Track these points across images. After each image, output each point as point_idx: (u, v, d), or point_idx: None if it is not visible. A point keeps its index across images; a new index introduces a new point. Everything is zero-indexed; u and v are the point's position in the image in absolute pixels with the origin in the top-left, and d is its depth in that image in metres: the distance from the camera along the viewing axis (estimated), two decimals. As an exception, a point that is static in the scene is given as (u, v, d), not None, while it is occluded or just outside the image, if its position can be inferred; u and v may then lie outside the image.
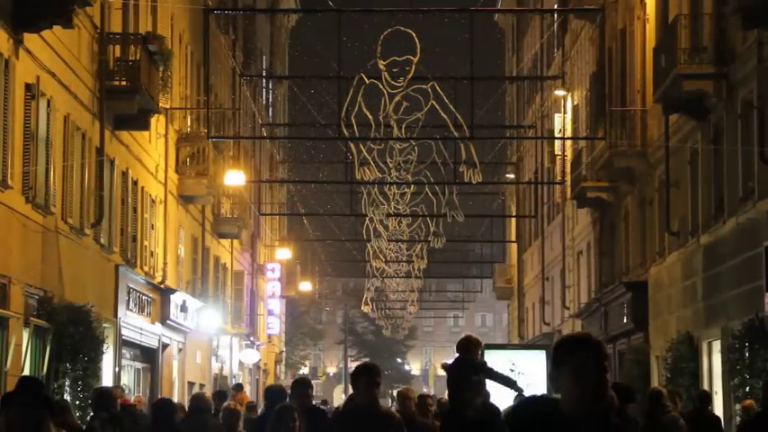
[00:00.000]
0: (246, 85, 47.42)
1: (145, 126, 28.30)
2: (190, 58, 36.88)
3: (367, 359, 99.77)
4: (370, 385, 10.03)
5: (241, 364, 48.70)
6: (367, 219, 33.24)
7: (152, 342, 31.54)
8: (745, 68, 22.88)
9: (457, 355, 13.14)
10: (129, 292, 28.49)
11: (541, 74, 48.57)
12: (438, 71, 32.20)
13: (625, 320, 31.52)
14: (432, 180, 28.98)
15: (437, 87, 23.38)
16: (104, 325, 24.76)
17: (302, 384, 12.60)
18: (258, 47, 51.74)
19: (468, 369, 12.89)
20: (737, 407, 20.27)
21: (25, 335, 20.63)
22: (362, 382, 10.06)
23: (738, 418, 16.46)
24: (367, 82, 23.34)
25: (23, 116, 20.84)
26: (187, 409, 14.40)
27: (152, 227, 31.31)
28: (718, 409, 22.61)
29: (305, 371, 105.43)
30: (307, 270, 68.15)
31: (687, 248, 26.82)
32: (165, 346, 32.96)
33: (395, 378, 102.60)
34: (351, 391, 11.48)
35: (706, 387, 23.42)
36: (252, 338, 50.42)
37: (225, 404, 14.33)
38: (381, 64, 22.83)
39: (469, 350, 13.05)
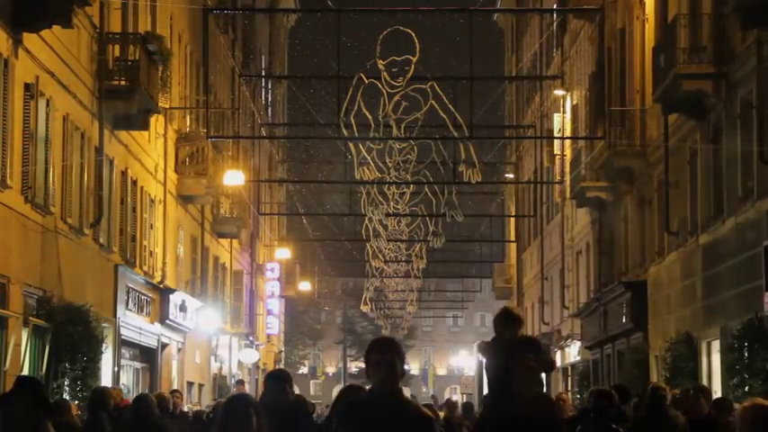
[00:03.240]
0: (246, 85, 47.40)
1: (144, 126, 28.29)
2: (189, 57, 36.86)
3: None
4: (382, 367, 7.05)
5: (240, 363, 48.68)
6: (366, 218, 33.22)
7: (151, 342, 31.53)
8: (744, 68, 22.86)
9: (494, 335, 10.84)
10: (128, 292, 28.49)
11: (541, 74, 48.55)
12: (437, 71, 32.22)
13: (624, 320, 31.50)
14: (431, 180, 28.95)
15: (436, 87, 23.34)
16: (103, 325, 24.75)
17: (277, 378, 10.27)
18: (257, 47, 51.72)
19: (520, 349, 10.30)
20: (737, 406, 20.21)
21: (24, 334, 20.62)
22: (372, 362, 7.09)
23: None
24: (366, 82, 23.30)
25: (23, 116, 20.84)
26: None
27: (151, 226, 31.31)
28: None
29: (304, 371, 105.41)
30: (306, 270, 68.11)
31: (686, 248, 26.80)
32: (164, 345, 32.95)
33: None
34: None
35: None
36: (251, 338, 50.41)
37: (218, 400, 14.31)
38: (381, 64, 22.78)
39: (512, 326, 10.68)
